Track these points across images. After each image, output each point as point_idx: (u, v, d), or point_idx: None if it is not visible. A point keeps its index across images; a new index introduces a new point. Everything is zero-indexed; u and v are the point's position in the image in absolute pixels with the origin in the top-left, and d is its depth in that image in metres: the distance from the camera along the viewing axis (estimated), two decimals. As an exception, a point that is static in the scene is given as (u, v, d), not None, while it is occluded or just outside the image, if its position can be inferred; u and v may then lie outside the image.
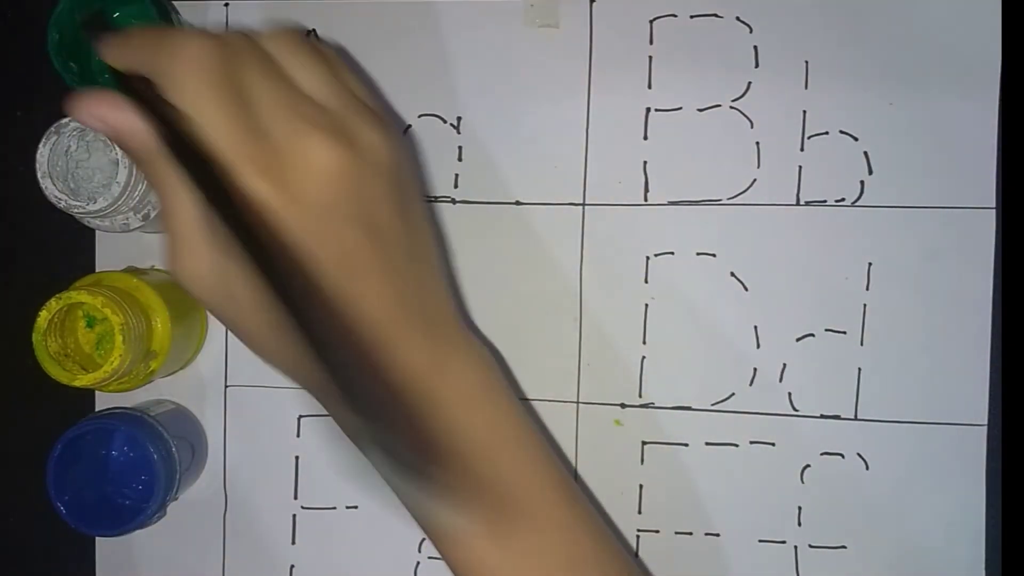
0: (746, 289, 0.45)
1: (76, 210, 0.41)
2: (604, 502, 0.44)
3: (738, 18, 0.45)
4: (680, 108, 0.46)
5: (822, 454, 0.45)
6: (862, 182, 0.45)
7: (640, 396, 0.46)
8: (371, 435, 0.26)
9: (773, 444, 0.46)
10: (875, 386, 0.45)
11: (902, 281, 0.45)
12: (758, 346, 0.45)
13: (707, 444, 0.46)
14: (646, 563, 0.46)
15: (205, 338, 0.48)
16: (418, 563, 0.47)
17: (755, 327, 0.45)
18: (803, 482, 0.45)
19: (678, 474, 0.46)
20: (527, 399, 0.46)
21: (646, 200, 0.46)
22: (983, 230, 0.44)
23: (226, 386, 0.48)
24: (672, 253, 0.46)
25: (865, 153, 0.45)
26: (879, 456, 0.45)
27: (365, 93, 0.33)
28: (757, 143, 0.45)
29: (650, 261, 0.46)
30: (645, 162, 0.46)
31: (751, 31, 0.45)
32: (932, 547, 0.45)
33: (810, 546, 0.45)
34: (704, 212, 0.46)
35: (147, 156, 0.28)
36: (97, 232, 0.48)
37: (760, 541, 0.45)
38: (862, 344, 0.45)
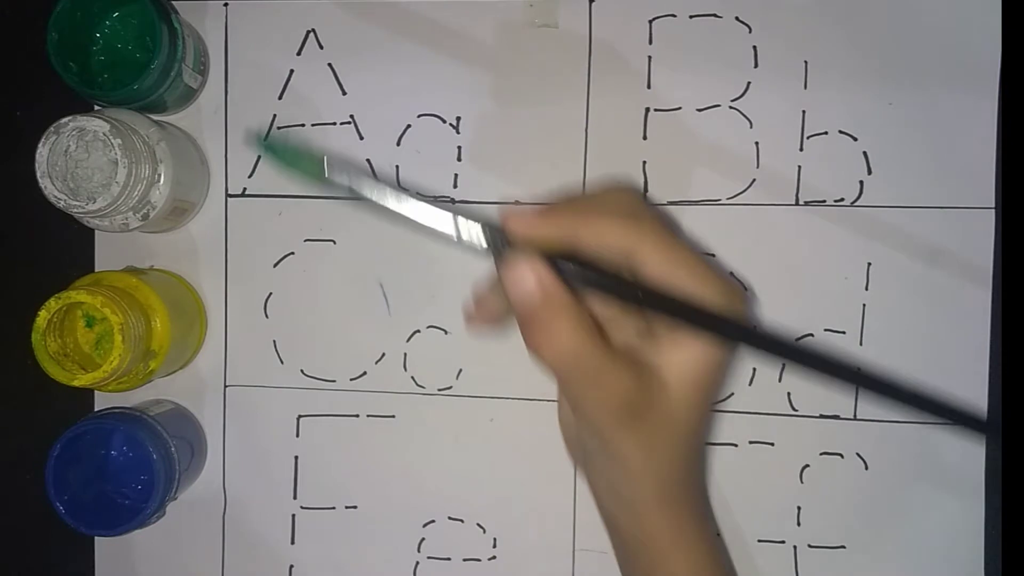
0: (745, 289, 0.45)
1: (76, 210, 0.41)
2: (603, 502, 0.44)
3: (737, 18, 0.45)
4: (679, 108, 0.46)
5: (821, 454, 0.45)
6: (861, 182, 0.45)
7: (639, 396, 0.46)
8: None
9: (772, 444, 0.45)
10: (875, 386, 0.45)
11: (902, 281, 0.45)
12: (757, 346, 0.45)
13: (707, 444, 0.45)
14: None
15: (204, 338, 0.48)
16: (417, 563, 0.47)
17: (754, 327, 0.45)
18: (802, 482, 0.45)
19: (677, 474, 0.46)
20: (527, 399, 0.46)
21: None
22: (983, 230, 0.44)
23: (225, 386, 0.48)
24: (671, 253, 0.46)
25: (864, 153, 0.45)
26: (878, 456, 0.45)
27: None
28: (756, 143, 0.45)
29: (649, 261, 0.46)
30: (644, 162, 0.46)
31: (750, 31, 0.45)
32: (932, 547, 0.45)
33: (809, 546, 0.45)
34: (704, 212, 0.46)
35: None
36: (97, 232, 0.48)
37: (759, 541, 0.45)
38: (862, 344, 0.45)
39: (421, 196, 0.31)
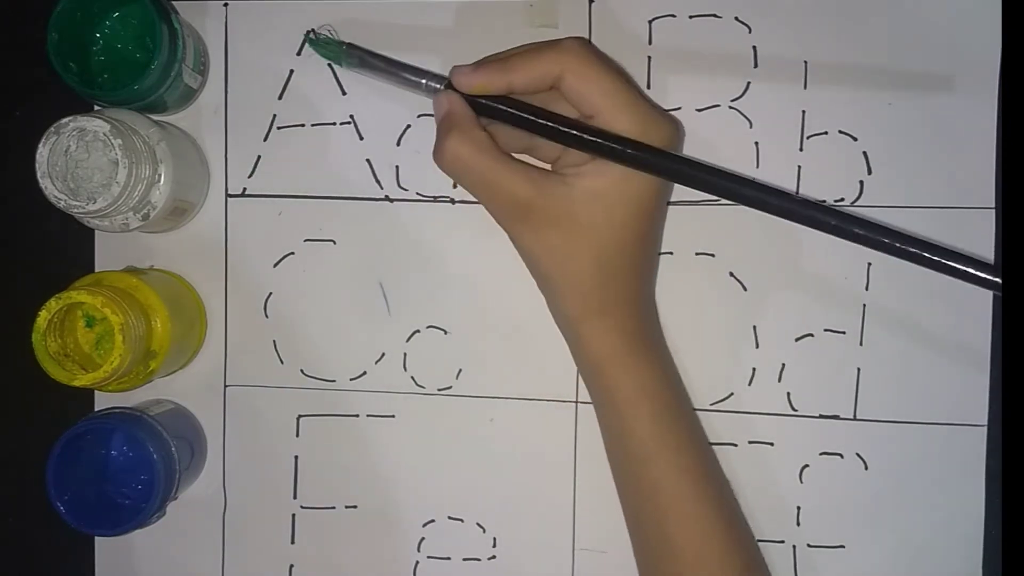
0: (745, 289, 0.45)
1: (76, 210, 0.41)
2: (604, 503, 0.44)
3: (737, 18, 0.45)
4: (679, 108, 0.46)
5: (821, 454, 0.45)
6: (861, 182, 0.45)
7: (639, 396, 0.46)
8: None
9: (772, 444, 0.46)
10: (874, 386, 0.45)
11: (902, 281, 0.45)
12: (757, 346, 0.45)
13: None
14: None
15: (204, 338, 0.48)
16: (417, 563, 0.47)
17: (754, 327, 0.45)
18: (802, 482, 0.45)
19: (677, 474, 0.46)
20: (527, 399, 0.46)
21: (645, 200, 0.46)
22: (983, 230, 0.44)
23: (225, 386, 0.48)
24: (671, 253, 0.46)
25: (864, 153, 0.45)
26: (878, 456, 0.45)
27: None
28: (756, 143, 0.45)
29: (649, 261, 0.46)
30: (644, 162, 0.46)
31: (750, 31, 0.45)
32: (931, 547, 0.45)
33: (809, 546, 0.45)
34: (703, 212, 0.46)
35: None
36: (97, 232, 0.48)
37: (759, 541, 0.45)
38: (861, 344, 0.45)
39: (404, 64, 0.41)
